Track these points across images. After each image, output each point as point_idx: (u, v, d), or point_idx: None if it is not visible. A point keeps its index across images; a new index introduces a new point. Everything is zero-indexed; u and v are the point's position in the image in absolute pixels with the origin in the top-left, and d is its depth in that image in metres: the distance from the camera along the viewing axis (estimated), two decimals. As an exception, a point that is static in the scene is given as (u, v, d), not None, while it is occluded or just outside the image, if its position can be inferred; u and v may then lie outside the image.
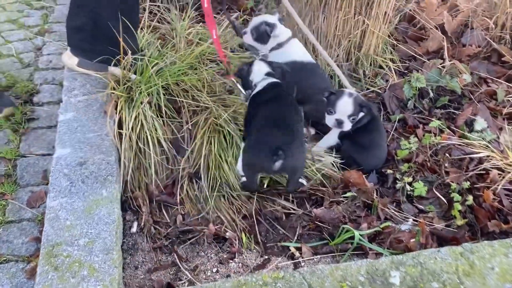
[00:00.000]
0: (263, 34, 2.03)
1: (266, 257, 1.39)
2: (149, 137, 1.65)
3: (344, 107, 1.71)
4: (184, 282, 1.27)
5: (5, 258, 1.35)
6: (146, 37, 2.17)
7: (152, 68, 1.82)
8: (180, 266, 1.31)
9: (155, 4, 2.65)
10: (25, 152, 1.75)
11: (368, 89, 2.24)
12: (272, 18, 2.05)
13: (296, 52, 2.03)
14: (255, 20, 2.07)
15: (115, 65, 1.80)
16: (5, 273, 1.31)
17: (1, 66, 2.26)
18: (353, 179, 1.61)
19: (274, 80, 1.69)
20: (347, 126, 1.74)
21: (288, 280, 1.17)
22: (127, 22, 1.75)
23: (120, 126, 1.68)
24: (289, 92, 1.71)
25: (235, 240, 1.41)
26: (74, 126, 1.63)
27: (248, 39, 2.10)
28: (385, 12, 2.22)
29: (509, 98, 2.18)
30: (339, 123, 1.73)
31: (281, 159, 1.40)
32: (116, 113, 1.70)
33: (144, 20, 2.30)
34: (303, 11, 2.27)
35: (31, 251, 1.38)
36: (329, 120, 1.75)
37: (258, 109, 1.58)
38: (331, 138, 1.81)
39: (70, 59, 1.90)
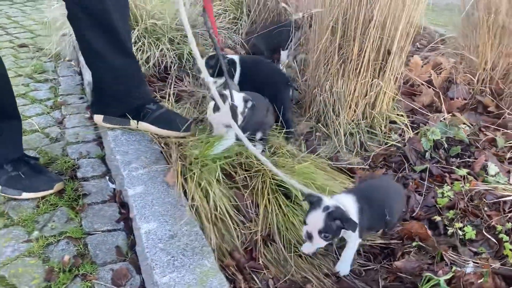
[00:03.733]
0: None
1: (362, 311, 1.47)
2: (217, 205, 1.71)
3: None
4: None
5: None
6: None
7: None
8: (293, 329, 1.35)
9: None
10: (89, 229, 1.72)
11: (386, 143, 2.45)
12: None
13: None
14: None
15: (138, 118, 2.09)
16: None
17: (30, 143, 2.23)
18: (414, 230, 1.75)
19: None
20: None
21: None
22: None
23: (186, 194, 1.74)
24: None
25: (331, 298, 1.48)
26: (149, 200, 1.66)
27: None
28: (395, 76, 2.48)
29: (506, 144, 2.47)
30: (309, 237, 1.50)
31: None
32: (179, 183, 1.75)
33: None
34: (323, 76, 2.48)
35: (136, 331, 1.36)
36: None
37: None
38: None
39: (97, 117, 2.17)
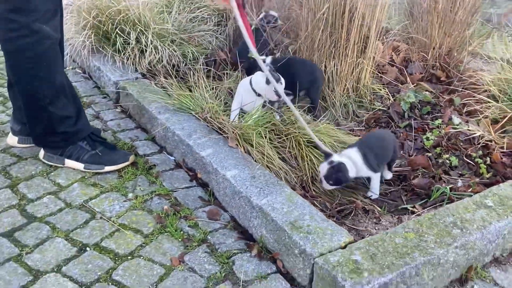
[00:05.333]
0: None
1: (397, 216, 2.00)
2: (272, 158, 2.18)
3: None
4: (368, 235, 1.81)
5: (233, 253, 1.74)
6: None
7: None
8: (357, 228, 1.85)
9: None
10: (172, 188, 2.12)
11: (373, 109, 3.03)
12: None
13: None
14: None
15: None
16: (244, 259, 1.72)
17: (82, 133, 2.54)
18: (418, 161, 2.33)
19: None
20: None
21: (438, 214, 1.81)
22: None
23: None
24: None
25: (374, 209, 2.00)
26: (222, 156, 2.09)
27: None
28: (373, 55, 3.08)
29: (461, 102, 3.16)
30: None
31: None
32: (240, 145, 2.20)
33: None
34: (317, 59, 3.02)
35: (243, 245, 1.79)
36: None
37: None
38: None
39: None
